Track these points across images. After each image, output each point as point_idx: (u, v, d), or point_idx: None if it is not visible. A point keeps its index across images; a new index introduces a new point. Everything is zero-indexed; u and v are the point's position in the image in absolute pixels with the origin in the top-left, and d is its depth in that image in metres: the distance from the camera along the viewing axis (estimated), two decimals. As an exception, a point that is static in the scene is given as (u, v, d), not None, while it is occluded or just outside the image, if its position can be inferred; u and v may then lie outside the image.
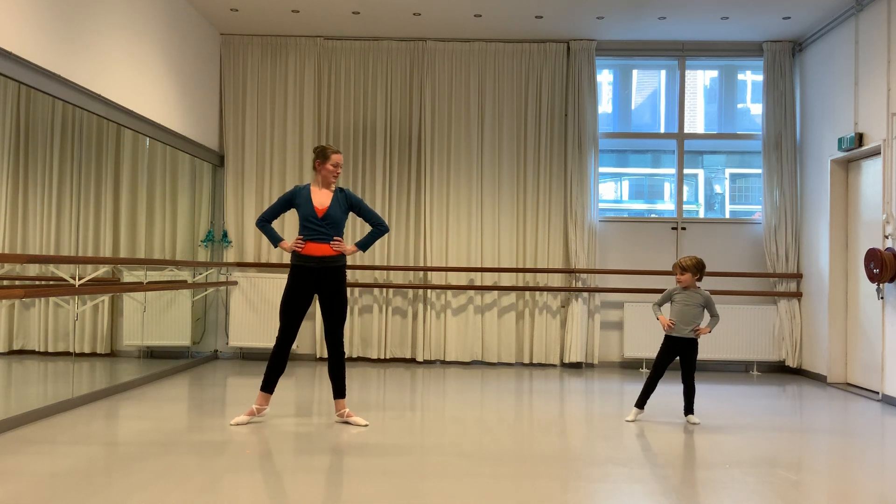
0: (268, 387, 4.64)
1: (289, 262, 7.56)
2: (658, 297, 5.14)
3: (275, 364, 4.61)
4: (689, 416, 4.97)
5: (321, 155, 4.63)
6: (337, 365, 4.65)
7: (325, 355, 7.64)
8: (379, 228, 4.75)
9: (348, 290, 7.69)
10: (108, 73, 5.46)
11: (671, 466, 3.82)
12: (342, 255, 4.62)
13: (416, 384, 6.39)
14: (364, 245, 4.74)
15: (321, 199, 4.59)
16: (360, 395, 5.73)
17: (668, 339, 5.01)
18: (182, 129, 6.81)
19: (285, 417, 4.81)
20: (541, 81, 7.74)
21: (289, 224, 7.61)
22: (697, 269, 4.95)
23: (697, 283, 5.00)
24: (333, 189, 4.66)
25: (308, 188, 4.64)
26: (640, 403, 5.02)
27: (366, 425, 4.61)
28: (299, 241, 4.55)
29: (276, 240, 4.70)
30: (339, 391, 4.69)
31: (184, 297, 7.02)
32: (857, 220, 6.67)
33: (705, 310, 4.98)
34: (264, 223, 4.72)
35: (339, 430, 4.49)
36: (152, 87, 6.22)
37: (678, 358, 5.00)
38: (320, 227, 4.54)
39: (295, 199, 4.63)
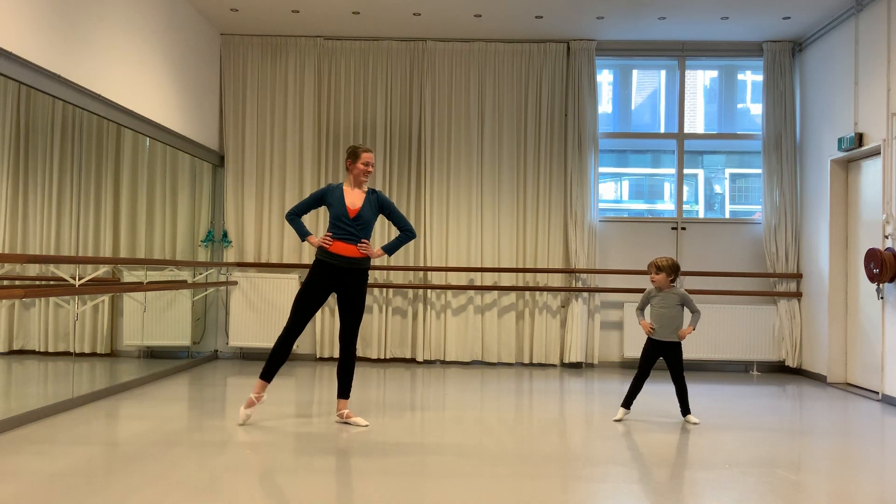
0: (267, 375, 4.63)
1: (288, 263, 7.65)
2: (639, 300, 5.16)
3: (278, 354, 4.60)
4: (688, 417, 4.97)
5: (352, 154, 4.65)
6: (347, 365, 4.67)
7: (326, 355, 7.68)
8: (407, 234, 4.77)
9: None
10: (108, 73, 5.46)
11: (671, 466, 3.82)
12: (367, 258, 4.63)
13: (416, 384, 6.39)
14: (391, 249, 4.74)
15: (353, 199, 4.61)
16: (361, 395, 5.73)
17: (649, 340, 5.03)
18: (182, 129, 6.81)
19: (285, 417, 4.81)
20: (541, 81, 7.74)
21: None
22: (672, 270, 4.96)
23: (672, 284, 4.99)
24: (366, 190, 4.68)
25: (341, 188, 4.65)
26: (627, 404, 5.03)
27: (366, 426, 4.61)
28: (328, 238, 4.56)
29: (304, 234, 4.69)
30: (344, 391, 4.70)
31: (184, 297, 7.02)
32: (857, 220, 6.67)
33: (685, 308, 4.98)
34: (294, 217, 4.72)
35: (339, 431, 4.49)
36: (152, 87, 6.22)
37: (664, 359, 5.00)
38: (350, 227, 4.55)
39: (327, 198, 4.64)
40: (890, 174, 5.93)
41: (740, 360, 7.58)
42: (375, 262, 7.66)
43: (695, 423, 4.90)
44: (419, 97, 7.78)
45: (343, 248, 4.55)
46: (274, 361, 4.61)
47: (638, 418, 5.07)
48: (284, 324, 7.37)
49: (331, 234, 4.57)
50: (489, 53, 7.75)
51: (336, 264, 4.56)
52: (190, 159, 7.15)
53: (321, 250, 4.58)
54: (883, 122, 6.06)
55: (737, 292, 7.61)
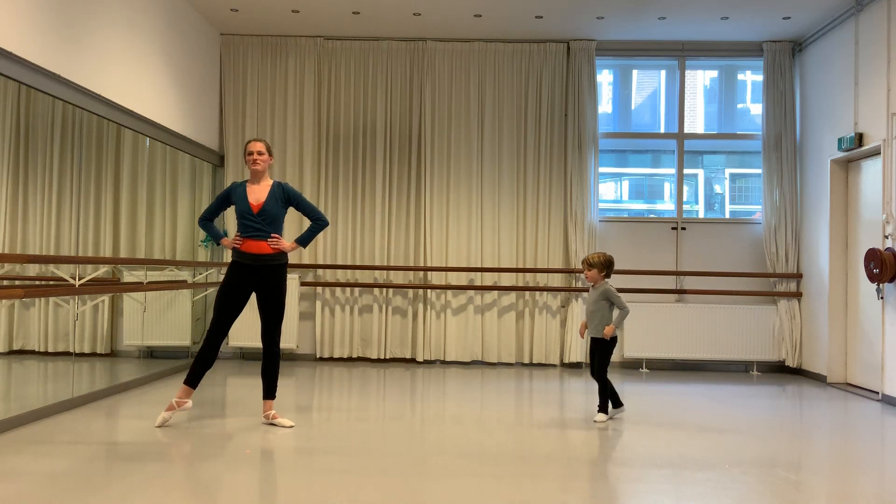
0: (192, 381, 4.54)
1: (289, 263, 7.62)
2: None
3: (202, 359, 4.53)
4: (597, 416, 4.94)
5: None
6: (271, 365, 4.60)
7: (325, 355, 7.67)
8: (318, 223, 4.65)
9: (349, 289, 7.69)
10: (108, 73, 5.46)
11: (671, 466, 3.82)
12: (282, 253, 4.55)
13: (416, 384, 6.39)
14: (304, 241, 4.65)
15: (257, 194, 4.54)
16: (361, 396, 5.73)
17: (589, 338, 5.08)
18: (182, 129, 6.81)
19: (285, 417, 4.80)
20: (541, 81, 7.74)
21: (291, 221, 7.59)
22: (604, 266, 4.99)
23: (605, 280, 5.02)
24: (271, 184, 4.59)
25: (244, 185, 4.59)
26: (616, 404, 5.06)
27: (291, 426, 4.55)
28: (237, 239, 4.49)
29: (217, 237, 4.63)
30: (269, 392, 4.63)
31: (184, 297, 7.02)
32: (857, 220, 6.67)
33: (613, 305, 4.99)
34: (205, 222, 4.66)
35: (339, 431, 4.49)
36: (152, 87, 6.22)
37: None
38: (256, 223, 4.48)
39: (232, 196, 4.57)
40: (890, 174, 5.93)
41: (740, 360, 7.58)
42: (375, 261, 7.66)
43: (599, 423, 4.86)
44: (419, 97, 7.77)
45: (254, 246, 4.47)
46: (198, 367, 4.53)
47: (638, 418, 5.07)
48: (283, 323, 7.44)
49: (240, 233, 4.50)
50: (489, 53, 7.75)
51: (251, 264, 4.49)
52: (190, 159, 7.15)
53: (235, 251, 4.51)
54: (883, 122, 6.06)
55: (737, 292, 7.61)
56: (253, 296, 7.38)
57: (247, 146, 4.60)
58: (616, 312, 4.98)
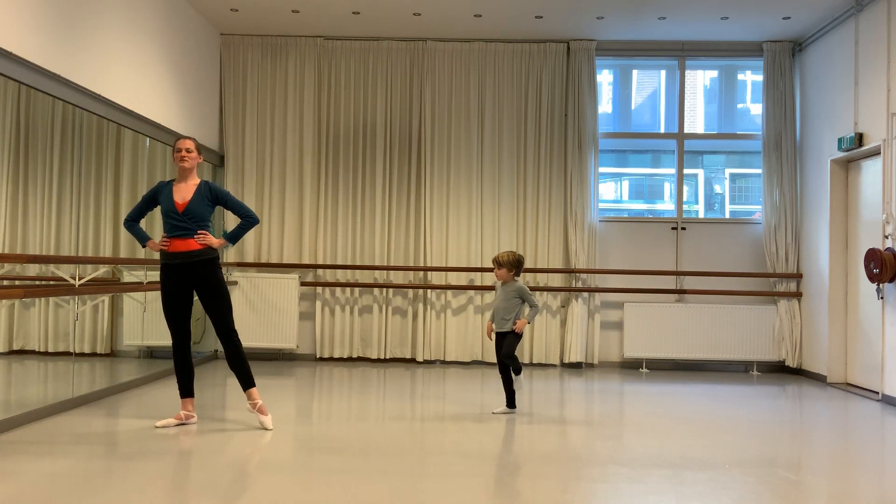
0: (185, 392, 4.56)
1: (289, 263, 7.65)
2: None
3: (181, 369, 4.54)
4: (499, 409, 5.14)
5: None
6: (236, 356, 4.51)
7: (325, 355, 7.67)
8: (248, 220, 4.58)
9: (349, 289, 7.69)
10: (108, 73, 5.46)
11: (671, 466, 3.82)
12: (211, 249, 4.47)
13: (416, 384, 6.39)
14: (233, 238, 4.58)
15: (183, 193, 4.48)
16: (361, 396, 5.73)
17: (495, 335, 5.18)
18: (182, 129, 6.81)
19: (285, 417, 4.81)
20: (541, 81, 7.74)
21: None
22: (513, 265, 5.11)
23: (515, 278, 5.13)
24: (197, 182, 4.54)
25: (171, 184, 4.53)
26: (510, 403, 5.16)
27: (270, 429, 4.45)
28: (164, 240, 4.43)
29: (143, 239, 4.53)
30: (247, 382, 4.54)
31: (184, 297, 7.01)
32: (857, 220, 6.67)
33: (524, 302, 5.09)
34: (131, 223, 4.56)
35: (338, 431, 4.49)
36: (152, 88, 6.22)
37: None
38: (182, 222, 4.40)
39: (158, 196, 4.51)
40: (890, 174, 5.93)
41: (740, 360, 7.58)
42: (375, 261, 7.66)
43: (497, 413, 5.06)
44: (419, 97, 7.77)
45: (181, 245, 4.40)
46: (181, 377, 4.55)
47: (638, 418, 5.07)
48: (283, 324, 7.46)
49: (166, 234, 4.43)
50: (489, 53, 7.75)
51: (180, 262, 4.41)
52: (190, 159, 7.15)
53: (163, 254, 4.44)
54: (883, 122, 6.06)
55: (737, 292, 7.61)
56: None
57: (175, 143, 4.55)
58: (528, 309, 5.11)
